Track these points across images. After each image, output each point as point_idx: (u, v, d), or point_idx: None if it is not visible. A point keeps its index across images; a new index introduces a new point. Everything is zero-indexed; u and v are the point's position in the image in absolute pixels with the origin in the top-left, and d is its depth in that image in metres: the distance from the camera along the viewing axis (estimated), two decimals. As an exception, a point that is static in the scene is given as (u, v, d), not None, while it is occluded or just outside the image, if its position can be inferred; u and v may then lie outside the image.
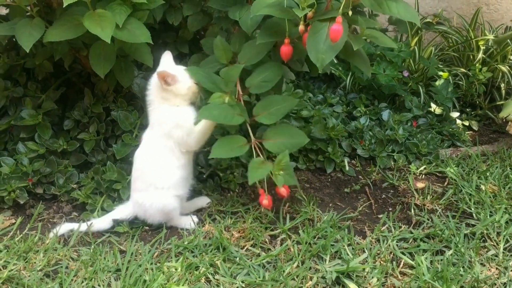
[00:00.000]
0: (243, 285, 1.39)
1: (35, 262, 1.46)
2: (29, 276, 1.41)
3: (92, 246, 1.53)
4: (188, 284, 1.38)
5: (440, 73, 2.46)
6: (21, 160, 1.75)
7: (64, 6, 1.39)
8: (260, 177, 1.48)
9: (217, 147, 1.50)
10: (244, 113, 1.54)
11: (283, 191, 1.56)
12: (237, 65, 1.57)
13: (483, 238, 1.60)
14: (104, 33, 1.42)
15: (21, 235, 1.59)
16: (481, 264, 1.50)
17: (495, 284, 1.42)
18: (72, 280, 1.39)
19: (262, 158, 1.53)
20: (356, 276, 1.43)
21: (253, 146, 1.55)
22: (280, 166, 1.49)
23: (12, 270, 1.42)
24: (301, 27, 1.46)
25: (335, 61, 2.43)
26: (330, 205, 1.79)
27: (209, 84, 1.56)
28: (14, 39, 1.87)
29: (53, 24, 1.53)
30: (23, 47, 1.47)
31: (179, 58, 1.99)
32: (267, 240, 1.58)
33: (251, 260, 1.48)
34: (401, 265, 1.48)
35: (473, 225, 1.66)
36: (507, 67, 2.48)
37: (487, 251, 1.55)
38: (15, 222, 1.65)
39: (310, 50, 1.38)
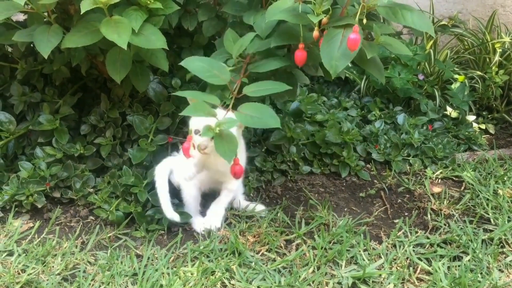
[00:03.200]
0: (259, 290, 1.39)
1: (53, 266, 1.47)
2: (47, 280, 1.42)
3: (109, 250, 1.54)
4: (204, 289, 1.38)
5: (456, 76, 2.44)
6: (39, 164, 1.77)
7: (81, 13, 1.41)
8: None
9: (189, 107, 1.39)
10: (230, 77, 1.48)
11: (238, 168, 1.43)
12: (249, 34, 1.53)
13: (501, 244, 1.59)
14: (120, 39, 1.43)
15: (39, 239, 1.61)
16: (499, 270, 1.48)
17: (514, 291, 1.41)
18: (89, 284, 1.40)
19: (214, 109, 1.40)
20: (373, 282, 1.42)
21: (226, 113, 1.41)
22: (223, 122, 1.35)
23: (30, 274, 1.44)
24: (315, 33, 1.46)
25: (350, 65, 2.42)
26: (345, 209, 1.78)
27: (206, 73, 1.48)
28: (31, 45, 1.90)
29: (71, 31, 1.54)
30: (42, 54, 1.49)
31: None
32: (282, 245, 1.58)
33: (266, 265, 1.48)
34: (418, 271, 1.47)
35: (491, 231, 1.64)
36: (525, 69, 2.46)
37: (505, 257, 1.53)
38: (33, 226, 1.67)
39: (324, 56, 1.38)
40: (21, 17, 1.84)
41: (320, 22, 1.44)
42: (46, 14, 1.57)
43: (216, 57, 1.62)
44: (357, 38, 1.32)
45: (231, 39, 1.59)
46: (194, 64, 1.47)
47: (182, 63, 1.46)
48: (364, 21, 1.35)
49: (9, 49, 1.98)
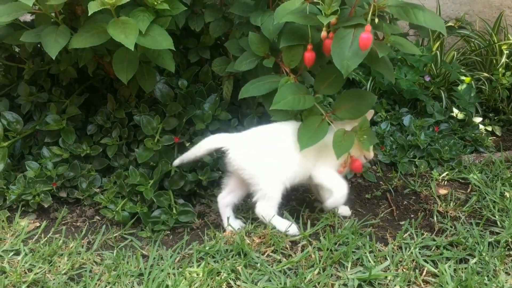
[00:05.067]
0: (265, 292, 1.39)
1: (59, 266, 1.48)
2: (53, 279, 1.43)
3: (115, 250, 1.55)
4: (209, 289, 1.39)
5: (463, 77, 2.43)
6: (45, 164, 1.78)
7: (89, 14, 1.42)
8: (348, 149, 1.48)
9: (302, 136, 1.50)
10: (308, 91, 1.56)
11: (358, 165, 1.58)
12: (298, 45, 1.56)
13: (508, 247, 1.57)
14: (127, 40, 1.44)
15: (46, 238, 1.62)
16: (506, 273, 1.47)
17: (521, 294, 1.40)
18: (96, 284, 1.41)
19: (343, 129, 1.51)
20: (378, 284, 1.41)
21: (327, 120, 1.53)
22: (363, 131, 1.49)
23: (37, 273, 1.44)
24: (323, 33, 1.46)
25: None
26: (351, 211, 1.78)
27: (263, 87, 1.58)
28: (39, 46, 1.91)
29: (78, 31, 1.55)
30: (50, 54, 1.50)
31: (200, 63, 2.01)
32: (288, 246, 1.57)
33: (272, 266, 1.48)
34: (424, 273, 1.47)
35: (498, 233, 1.63)
36: (531, 71, 2.45)
37: (512, 260, 1.53)
38: (39, 226, 1.68)
39: (335, 56, 1.38)
40: (28, 18, 1.85)
41: (329, 22, 1.44)
42: (53, 14, 1.58)
43: (244, 62, 1.66)
44: (369, 37, 1.33)
45: (257, 41, 1.62)
46: (286, 101, 1.50)
47: (275, 107, 1.49)
48: (376, 20, 1.35)
49: (17, 49, 2.00)
